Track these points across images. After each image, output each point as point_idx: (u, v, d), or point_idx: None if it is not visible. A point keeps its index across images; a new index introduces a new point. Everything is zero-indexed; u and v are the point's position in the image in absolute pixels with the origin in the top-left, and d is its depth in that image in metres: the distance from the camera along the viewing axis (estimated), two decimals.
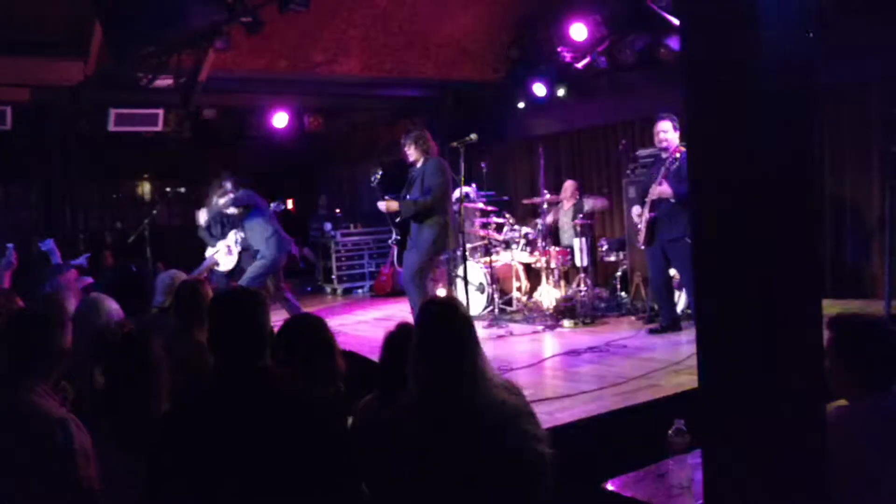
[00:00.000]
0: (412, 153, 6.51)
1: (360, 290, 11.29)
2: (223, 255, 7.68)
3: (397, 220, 6.67)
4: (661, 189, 6.23)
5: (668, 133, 6.39)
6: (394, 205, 6.45)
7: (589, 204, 8.27)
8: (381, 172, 6.65)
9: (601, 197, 8.54)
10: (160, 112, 8.81)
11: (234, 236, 7.61)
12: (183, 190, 10.45)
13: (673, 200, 6.20)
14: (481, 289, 8.00)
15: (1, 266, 5.68)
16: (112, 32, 6.51)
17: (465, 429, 2.35)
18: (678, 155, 6.16)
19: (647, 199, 6.46)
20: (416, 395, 2.44)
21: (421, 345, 2.47)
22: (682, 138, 6.22)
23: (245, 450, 2.21)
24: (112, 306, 3.99)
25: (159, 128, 8.92)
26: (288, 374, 2.47)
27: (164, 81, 7.97)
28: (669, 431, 2.74)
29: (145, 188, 12.44)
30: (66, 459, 2.50)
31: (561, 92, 9.02)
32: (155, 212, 9.17)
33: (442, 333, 2.45)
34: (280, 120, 10.43)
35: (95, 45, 7.39)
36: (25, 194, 10.69)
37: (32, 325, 2.73)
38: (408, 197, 6.52)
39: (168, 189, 11.36)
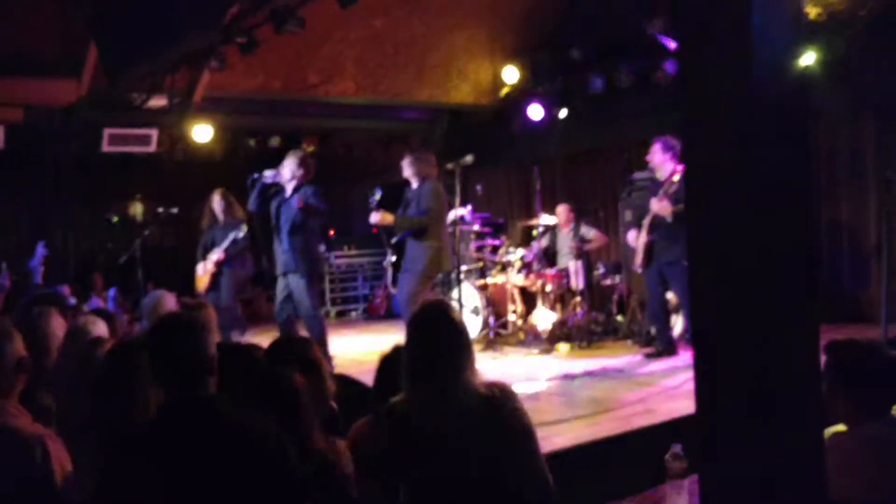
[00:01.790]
0: (409, 172, 6.46)
1: (353, 313, 11.22)
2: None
3: (393, 240, 6.62)
4: (662, 205, 6.19)
5: (654, 155, 6.42)
6: (388, 217, 6.36)
7: (590, 234, 8.22)
8: (380, 192, 6.58)
9: (601, 233, 8.45)
10: (154, 132, 8.80)
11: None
12: (175, 211, 10.40)
13: (670, 220, 6.18)
14: (476, 312, 7.94)
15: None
16: (107, 52, 6.52)
17: (446, 421, 2.47)
18: (676, 178, 6.14)
19: (645, 222, 6.43)
20: (407, 395, 2.57)
21: (408, 343, 2.63)
22: (680, 161, 6.22)
23: (191, 482, 2.15)
24: (101, 328, 3.94)
25: (153, 148, 8.91)
26: (232, 402, 2.39)
27: (159, 101, 7.97)
28: (666, 456, 2.69)
29: (137, 209, 12.38)
30: (46, 477, 2.46)
31: (561, 114, 9.01)
32: (147, 233, 9.11)
33: (427, 333, 2.60)
34: (274, 141, 10.42)
35: (90, 65, 7.40)
36: (17, 215, 10.64)
37: None
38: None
39: (160, 210, 11.32)
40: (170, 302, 4.48)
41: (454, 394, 2.50)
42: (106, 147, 8.55)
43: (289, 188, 6.41)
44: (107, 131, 8.48)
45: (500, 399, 2.53)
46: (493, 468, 2.46)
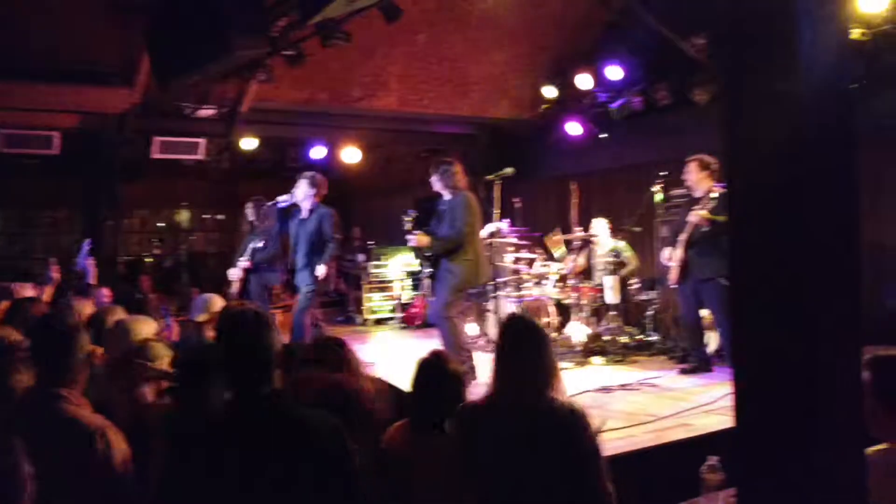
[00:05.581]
0: (439, 186, 6.51)
1: (390, 321, 11.33)
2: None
3: (427, 252, 6.70)
4: (698, 213, 6.24)
5: (690, 174, 6.52)
6: (425, 239, 6.41)
7: (625, 252, 8.28)
8: (414, 214, 6.63)
9: (635, 255, 8.48)
10: (202, 141, 9.00)
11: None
12: (221, 217, 10.61)
13: (706, 228, 6.22)
14: None
15: (46, 281, 5.88)
16: (159, 62, 6.69)
17: (528, 427, 2.69)
18: (713, 195, 6.17)
19: (681, 238, 6.46)
20: (493, 393, 2.83)
21: (500, 351, 2.88)
22: (719, 178, 6.25)
23: (252, 475, 2.21)
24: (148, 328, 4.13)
25: (200, 156, 9.10)
26: (294, 398, 2.46)
27: (207, 111, 8.19)
28: (703, 467, 2.72)
29: (184, 216, 12.68)
30: (106, 468, 2.57)
31: (601, 136, 9.06)
32: (192, 238, 9.33)
33: (517, 343, 2.86)
34: (318, 152, 10.59)
35: (143, 75, 7.57)
36: (71, 219, 10.93)
37: (53, 333, 2.78)
38: (436, 230, 6.51)
39: (206, 217, 11.52)
40: (219, 304, 4.62)
41: (533, 402, 2.72)
42: (156, 154, 8.77)
43: (304, 208, 7.01)
44: (157, 139, 8.71)
45: (574, 418, 2.72)
46: (556, 483, 2.62)
